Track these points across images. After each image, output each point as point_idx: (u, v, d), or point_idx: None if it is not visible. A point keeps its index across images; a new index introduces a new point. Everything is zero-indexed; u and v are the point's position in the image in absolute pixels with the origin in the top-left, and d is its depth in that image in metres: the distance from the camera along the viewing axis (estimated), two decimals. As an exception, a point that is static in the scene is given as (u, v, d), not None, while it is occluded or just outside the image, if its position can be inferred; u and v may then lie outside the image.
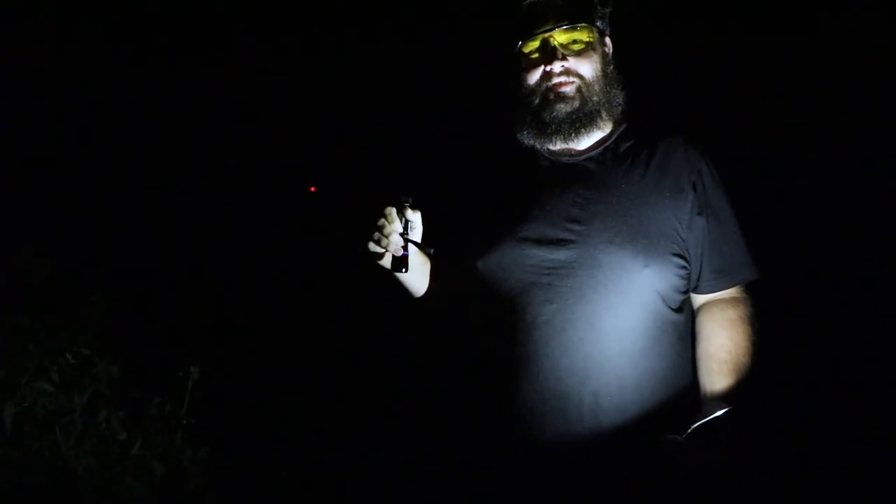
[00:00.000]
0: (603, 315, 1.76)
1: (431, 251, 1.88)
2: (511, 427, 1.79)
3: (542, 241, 1.80)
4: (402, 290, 1.97)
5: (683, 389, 1.82)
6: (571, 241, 1.79)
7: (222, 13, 3.25)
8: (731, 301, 1.87)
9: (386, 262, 1.83)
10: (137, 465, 2.38)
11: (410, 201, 1.81)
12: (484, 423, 1.84)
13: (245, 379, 2.98)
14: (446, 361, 1.93)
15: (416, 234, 1.83)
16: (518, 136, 1.89)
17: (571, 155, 1.89)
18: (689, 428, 1.65)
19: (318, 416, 3.00)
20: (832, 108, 2.72)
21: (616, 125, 1.92)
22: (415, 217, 1.81)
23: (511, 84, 1.89)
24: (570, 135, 1.85)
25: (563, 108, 1.84)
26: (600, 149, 1.89)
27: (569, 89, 1.84)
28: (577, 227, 1.80)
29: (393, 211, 1.79)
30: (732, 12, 2.78)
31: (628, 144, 1.89)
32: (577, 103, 1.84)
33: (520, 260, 1.80)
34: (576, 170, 1.87)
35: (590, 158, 1.88)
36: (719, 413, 1.66)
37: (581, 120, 1.84)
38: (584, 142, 1.89)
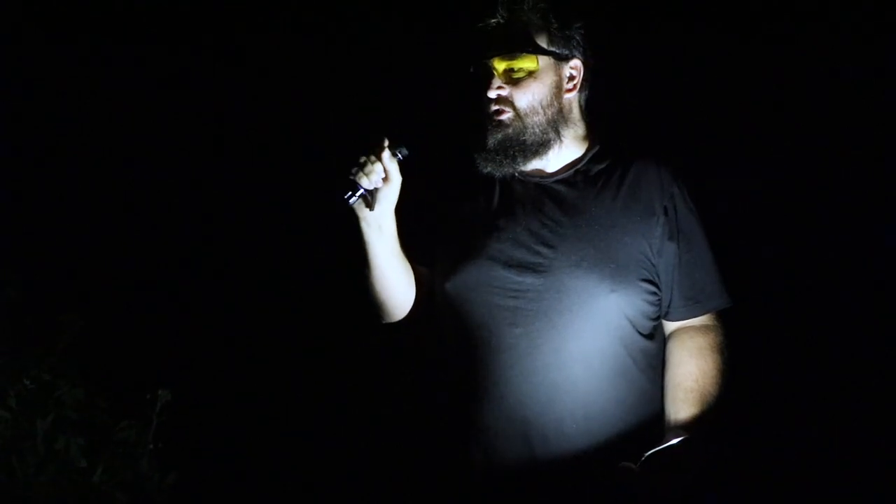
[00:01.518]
0: (569, 340, 1.73)
1: (405, 153, 1.76)
2: (476, 449, 1.77)
3: (509, 263, 1.77)
4: (380, 302, 1.87)
5: (653, 417, 1.79)
6: (539, 265, 1.76)
7: (196, 9, 3.20)
8: (702, 329, 1.83)
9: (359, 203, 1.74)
10: (98, 494, 2.32)
11: (399, 150, 1.74)
12: (450, 445, 1.82)
13: (216, 402, 2.93)
14: (418, 381, 1.88)
15: (392, 184, 1.74)
16: (474, 157, 1.86)
17: (542, 176, 1.87)
18: (643, 456, 1.62)
19: (291, 439, 2.96)
20: (827, 115, 2.69)
21: (588, 146, 1.90)
22: (393, 166, 1.73)
23: (464, 106, 1.88)
24: (504, 162, 1.82)
25: (496, 136, 1.81)
26: (571, 171, 1.86)
27: (503, 118, 1.81)
28: (544, 251, 1.77)
29: (386, 150, 1.73)
30: (726, 16, 2.76)
31: (601, 167, 1.86)
32: (510, 132, 1.80)
33: (486, 282, 1.77)
34: (546, 191, 1.84)
35: (560, 180, 1.85)
36: (674, 442, 1.63)
37: (514, 149, 1.81)
38: (554, 163, 1.87)
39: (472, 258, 1.80)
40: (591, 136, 1.91)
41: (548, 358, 1.72)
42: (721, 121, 2.78)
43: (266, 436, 2.98)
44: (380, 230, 1.78)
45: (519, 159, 1.82)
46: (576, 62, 1.86)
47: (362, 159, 1.72)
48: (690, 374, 1.77)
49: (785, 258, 2.72)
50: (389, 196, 1.75)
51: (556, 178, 1.86)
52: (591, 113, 1.93)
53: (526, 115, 1.81)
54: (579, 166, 1.87)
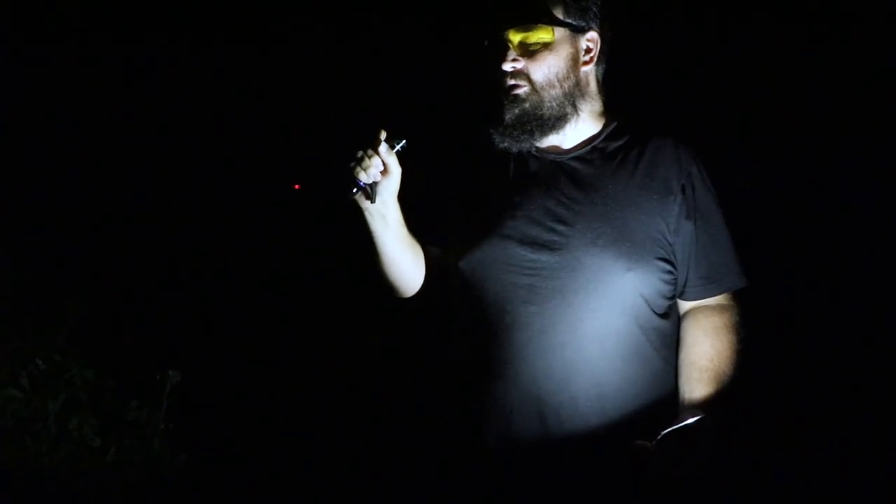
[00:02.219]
0: (584, 318, 1.71)
1: (404, 144, 1.77)
2: (490, 427, 1.76)
3: (524, 241, 1.75)
4: (391, 284, 1.89)
5: (668, 396, 1.77)
6: (554, 242, 1.74)
7: (197, 6, 3.20)
8: (718, 308, 1.81)
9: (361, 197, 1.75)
10: (112, 473, 2.33)
11: (397, 143, 1.74)
12: (464, 422, 1.81)
13: (225, 383, 2.93)
14: (432, 359, 1.88)
15: (392, 177, 1.75)
16: (490, 133, 1.83)
17: (558, 153, 1.84)
18: (659, 435, 1.62)
19: (300, 420, 2.97)
20: (837, 110, 2.68)
21: (605, 123, 1.87)
22: (391, 159, 1.73)
23: (479, 80, 1.85)
24: (521, 137, 1.79)
25: (513, 110, 1.78)
26: (588, 147, 1.84)
27: (520, 91, 1.78)
28: (560, 228, 1.75)
29: (383, 143, 1.73)
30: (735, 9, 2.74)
31: (618, 144, 1.84)
32: (526, 106, 1.78)
33: (501, 259, 1.76)
34: (562, 168, 1.82)
35: (577, 157, 1.83)
36: (690, 421, 1.62)
37: (531, 124, 1.78)
38: (570, 139, 1.84)
39: (487, 236, 1.78)
40: (608, 112, 1.88)
41: (563, 336, 1.71)
42: (719, 118, 2.77)
43: (276, 417, 2.99)
44: (384, 220, 1.79)
45: (536, 134, 1.79)
46: (592, 34, 1.83)
47: (359, 154, 1.72)
48: (705, 353, 1.75)
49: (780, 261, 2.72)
50: (390, 187, 1.76)
51: (572, 154, 1.83)
52: (608, 88, 1.90)
53: (542, 88, 1.78)
54: (596, 143, 1.84)
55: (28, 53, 3.27)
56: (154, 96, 3.26)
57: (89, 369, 2.58)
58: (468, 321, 1.81)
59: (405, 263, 1.87)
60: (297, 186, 3.54)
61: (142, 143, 3.29)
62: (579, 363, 1.71)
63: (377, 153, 1.72)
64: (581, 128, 1.84)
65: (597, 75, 1.87)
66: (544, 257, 1.73)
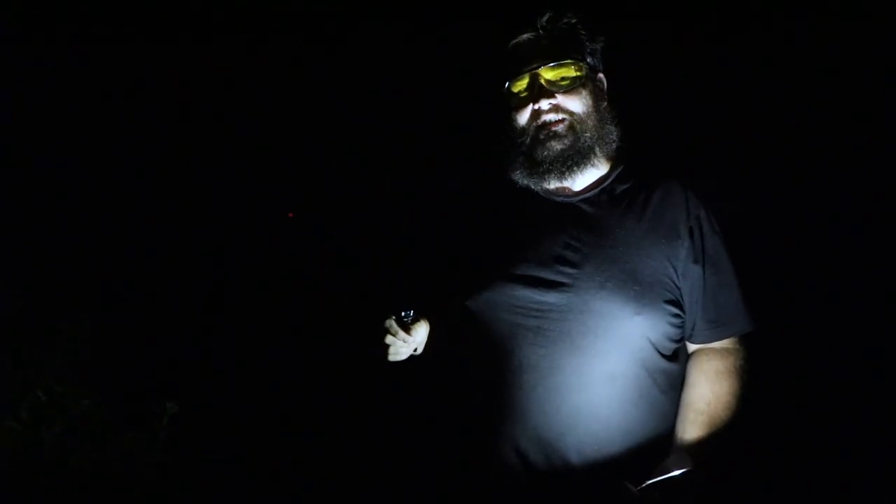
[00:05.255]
0: (591, 362, 1.71)
1: (411, 314, 1.87)
2: (498, 467, 1.76)
3: (532, 283, 1.75)
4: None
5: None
6: (562, 284, 1.74)
7: (200, 10, 3.18)
8: (722, 352, 1.81)
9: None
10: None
11: (411, 315, 1.85)
12: (473, 462, 1.81)
13: (222, 415, 2.88)
14: (440, 397, 1.90)
15: (419, 337, 1.88)
16: (511, 175, 1.85)
17: (567, 195, 1.85)
18: (646, 482, 1.62)
19: (300, 456, 2.92)
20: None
21: (613, 165, 1.87)
22: (417, 329, 1.85)
23: (502, 124, 1.85)
24: (564, 173, 1.81)
25: (555, 146, 1.80)
26: (597, 190, 1.84)
27: (560, 128, 1.80)
28: (568, 270, 1.75)
29: (394, 324, 1.83)
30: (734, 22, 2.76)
31: (625, 186, 1.84)
32: (568, 140, 1.79)
33: (509, 301, 1.76)
34: (571, 210, 1.83)
35: (585, 199, 1.84)
36: (676, 473, 1.62)
37: (573, 157, 1.80)
38: (580, 181, 1.85)
39: (495, 277, 1.78)
40: (618, 153, 1.89)
41: (570, 379, 1.71)
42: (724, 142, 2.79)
43: (274, 450, 2.94)
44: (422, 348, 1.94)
45: (576, 169, 1.81)
46: (601, 75, 1.87)
47: (387, 352, 1.84)
48: (703, 396, 1.75)
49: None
50: (419, 340, 1.90)
51: (581, 196, 1.84)
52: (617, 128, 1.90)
53: (581, 121, 1.80)
54: (605, 185, 1.85)
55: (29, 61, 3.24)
56: (146, 119, 3.24)
57: (84, 399, 2.54)
58: (477, 360, 1.81)
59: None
60: (290, 215, 3.53)
61: (139, 168, 3.26)
62: (586, 406, 1.71)
63: (396, 338, 1.83)
64: (591, 170, 1.85)
65: (612, 113, 1.88)
66: (552, 299, 1.73)
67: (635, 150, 1.91)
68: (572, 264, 1.75)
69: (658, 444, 1.74)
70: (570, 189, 1.85)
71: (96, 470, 2.40)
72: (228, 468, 2.77)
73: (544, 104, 1.79)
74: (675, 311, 1.76)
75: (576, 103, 1.79)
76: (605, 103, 1.85)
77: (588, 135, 1.80)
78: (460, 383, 1.87)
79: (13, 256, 2.85)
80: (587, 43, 1.83)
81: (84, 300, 2.88)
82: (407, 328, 1.82)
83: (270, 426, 2.95)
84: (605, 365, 1.71)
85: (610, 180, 1.85)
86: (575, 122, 1.79)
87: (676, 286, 1.77)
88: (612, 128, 1.86)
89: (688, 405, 1.76)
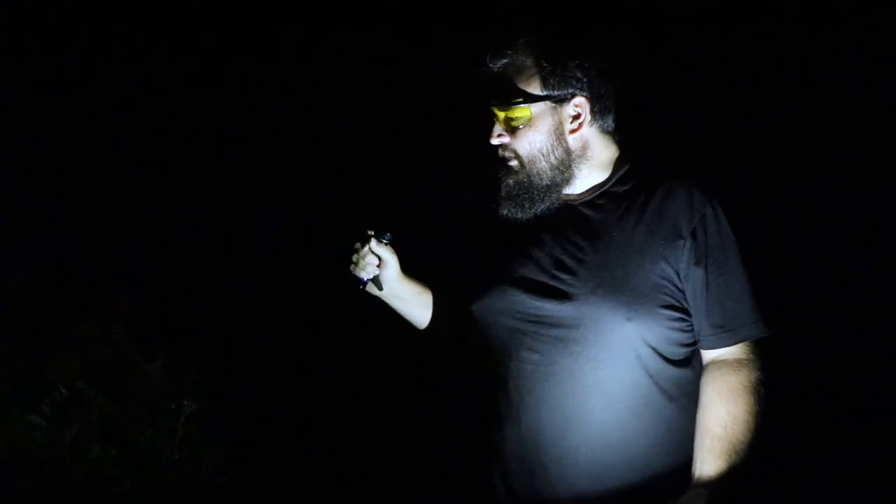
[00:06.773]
0: (585, 369, 1.68)
1: (390, 236, 1.94)
2: (495, 472, 1.79)
3: (530, 289, 1.74)
4: (402, 317, 2.06)
5: (686, 450, 1.68)
6: (558, 290, 1.72)
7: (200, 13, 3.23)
8: (734, 364, 1.70)
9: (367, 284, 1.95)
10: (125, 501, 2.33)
11: (389, 237, 1.94)
12: (471, 467, 1.86)
13: (241, 414, 2.92)
14: (446, 395, 1.94)
15: (389, 265, 1.94)
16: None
17: (568, 199, 1.83)
18: None
19: (315, 455, 2.95)
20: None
21: (617, 166, 1.83)
22: (382, 251, 1.92)
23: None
24: (523, 206, 1.81)
25: (508, 182, 1.81)
26: (597, 193, 1.82)
27: (513, 164, 1.81)
28: (564, 276, 1.73)
29: (370, 237, 1.92)
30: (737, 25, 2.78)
31: (627, 187, 1.80)
32: (519, 177, 1.80)
33: (508, 306, 1.76)
34: (571, 214, 1.81)
35: (586, 202, 1.81)
36: None
37: (523, 196, 1.80)
38: (581, 184, 1.83)
39: (495, 282, 1.79)
40: (621, 156, 1.85)
41: (564, 385, 1.69)
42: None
43: (290, 450, 2.98)
44: (398, 297, 2.00)
45: (527, 205, 1.80)
46: (579, 99, 1.78)
47: (354, 257, 1.93)
48: (720, 418, 1.65)
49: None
50: (391, 274, 1.95)
51: (582, 199, 1.82)
52: (621, 132, 1.86)
53: (529, 162, 1.79)
54: (606, 187, 1.81)
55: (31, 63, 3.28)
56: (165, 108, 3.28)
57: (103, 394, 2.60)
58: (480, 363, 1.84)
59: (424, 313, 2.05)
60: None
61: (156, 160, 3.31)
62: (580, 413, 1.68)
63: (370, 251, 1.91)
64: (591, 174, 1.83)
65: (602, 129, 1.83)
66: (548, 305, 1.72)
67: (640, 151, 1.87)
68: (569, 269, 1.73)
69: (664, 453, 1.69)
70: (571, 192, 1.83)
71: (115, 466, 2.46)
72: (245, 465, 2.81)
73: (495, 141, 1.81)
74: (677, 314, 1.70)
75: (524, 145, 1.78)
76: (582, 129, 1.79)
77: (542, 174, 1.78)
78: (468, 384, 1.92)
79: (30, 251, 2.91)
80: (550, 73, 1.76)
81: (104, 301, 2.93)
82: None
83: (287, 425, 2.99)
84: (599, 372, 1.68)
85: (612, 182, 1.82)
86: (522, 164, 1.79)
87: (678, 289, 1.71)
88: (598, 146, 1.82)
89: (704, 430, 1.66)
